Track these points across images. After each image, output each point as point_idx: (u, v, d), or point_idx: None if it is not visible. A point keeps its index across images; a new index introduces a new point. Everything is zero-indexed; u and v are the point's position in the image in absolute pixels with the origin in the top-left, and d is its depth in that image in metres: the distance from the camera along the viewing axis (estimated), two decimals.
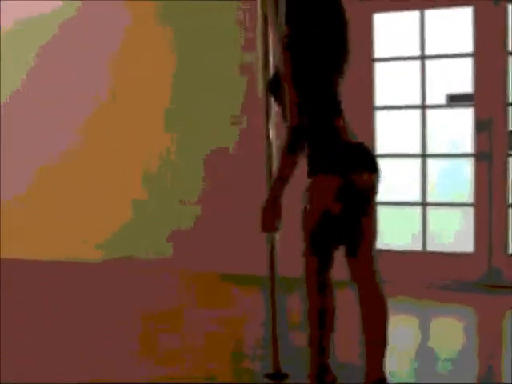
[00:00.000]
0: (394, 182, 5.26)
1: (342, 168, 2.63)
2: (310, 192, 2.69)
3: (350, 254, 2.76)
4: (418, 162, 5.10)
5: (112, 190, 5.87)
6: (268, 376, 3.21)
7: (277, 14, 2.97)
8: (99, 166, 5.93)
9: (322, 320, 2.76)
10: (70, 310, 4.65)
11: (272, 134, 3.15)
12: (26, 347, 3.89)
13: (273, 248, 3.18)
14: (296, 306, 4.22)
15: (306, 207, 2.71)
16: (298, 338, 3.65)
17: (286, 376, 3.21)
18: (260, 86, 3.18)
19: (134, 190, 5.78)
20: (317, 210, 2.67)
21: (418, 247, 5.10)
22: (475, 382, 3.19)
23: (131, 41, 5.71)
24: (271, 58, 3.13)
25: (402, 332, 4.00)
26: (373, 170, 2.70)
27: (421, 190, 5.02)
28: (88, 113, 5.92)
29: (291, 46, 2.67)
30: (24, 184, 6.25)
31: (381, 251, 4.66)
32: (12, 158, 6.30)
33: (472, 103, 4.85)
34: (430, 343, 3.87)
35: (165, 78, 5.56)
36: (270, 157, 3.16)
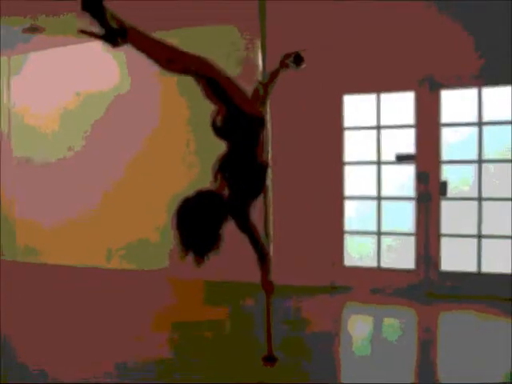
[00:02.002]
0: (360, 217, 6.60)
1: None
2: None
3: None
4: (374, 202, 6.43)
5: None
6: (264, 359, 3.74)
7: None
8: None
9: None
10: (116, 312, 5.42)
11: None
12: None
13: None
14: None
15: None
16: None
17: (276, 359, 3.75)
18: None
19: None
20: None
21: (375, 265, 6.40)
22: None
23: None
24: None
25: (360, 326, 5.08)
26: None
27: (376, 222, 6.39)
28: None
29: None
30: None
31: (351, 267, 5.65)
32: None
33: (414, 161, 6.10)
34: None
35: None
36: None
